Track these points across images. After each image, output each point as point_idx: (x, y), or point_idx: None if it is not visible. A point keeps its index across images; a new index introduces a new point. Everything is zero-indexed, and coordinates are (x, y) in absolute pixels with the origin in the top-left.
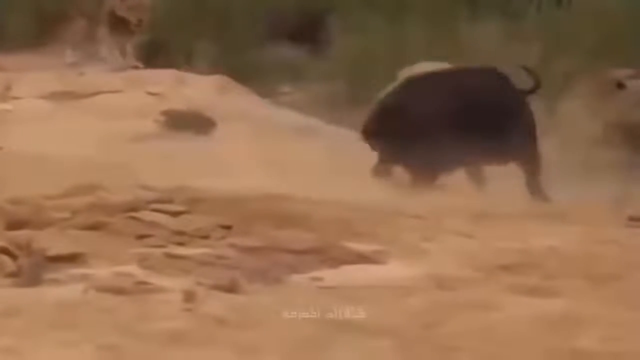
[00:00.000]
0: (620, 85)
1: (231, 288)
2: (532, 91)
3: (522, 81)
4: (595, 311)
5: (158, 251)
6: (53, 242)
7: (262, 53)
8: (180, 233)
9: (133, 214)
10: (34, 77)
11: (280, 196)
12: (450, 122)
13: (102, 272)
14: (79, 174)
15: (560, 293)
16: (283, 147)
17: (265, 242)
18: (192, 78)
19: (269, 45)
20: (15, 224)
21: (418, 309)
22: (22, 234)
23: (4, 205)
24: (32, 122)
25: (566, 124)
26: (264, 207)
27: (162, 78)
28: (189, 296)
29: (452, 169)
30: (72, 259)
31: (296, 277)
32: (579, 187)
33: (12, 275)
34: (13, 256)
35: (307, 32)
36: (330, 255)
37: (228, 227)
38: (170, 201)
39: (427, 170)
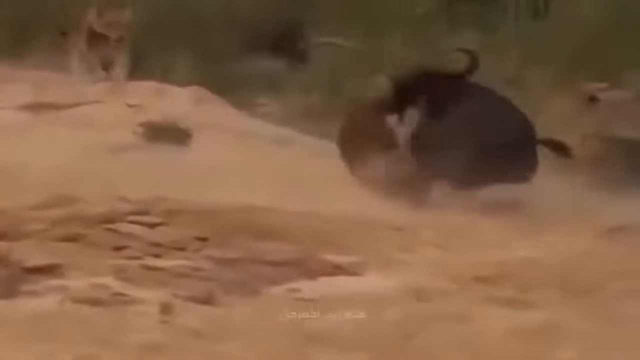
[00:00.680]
0: (592, 99)
1: (208, 300)
2: (467, 72)
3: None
4: (572, 323)
5: (135, 263)
6: (30, 254)
7: (239, 65)
8: (157, 245)
9: (110, 225)
10: (11, 88)
11: (257, 208)
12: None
13: (78, 283)
14: (56, 185)
15: (537, 305)
16: (260, 159)
17: (242, 254)
18: (169, 90)
19: (246, 57)
20: None
21: (395, 321)
22: None
23: None
24: (9, 133)
25: (542, 135)
26: (241, 218)
27: (140, 90)
28: (165, 308)
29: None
30: (49, 270)
31: (273, 289)
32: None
33: None
34: None
35: (285, 44)
36: (307, 267)
37: (204, 239)
38: (146, 213)
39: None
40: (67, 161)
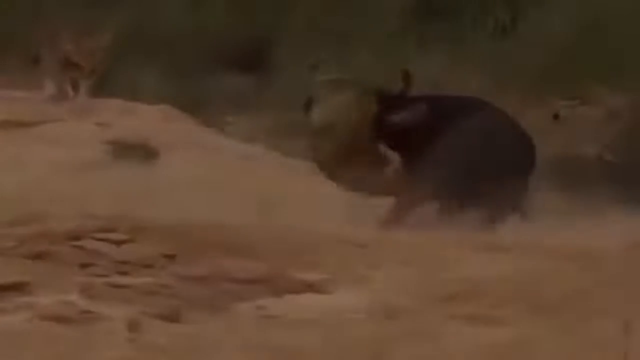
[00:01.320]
0: (556, 117)
1: (175, 317)
2: (402, 94)
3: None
4: (541, 340)
5: (101, 280)
6: None
7: (207, 82)
8: (124, 262)
9: (76, 242)
10: None
11: (225, 225)
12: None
13: (46, 300)
14: (24, 202)
15: (506, 322)
16: (227, 176)
17: (210, 271)
18: (137, 108)
19: (214, 74)
20: None
21: (363, 338)
22: None
23: None
24: None
25: None
26: (209, 235)
27: (108, 107)
28: (132, 325)
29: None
30: (18, 287)
31: (241, 306)
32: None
33: None
34: None
35: (254, 61)
36: (275, 284)
37: (172, 256)
38: (113, 230)
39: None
40: (35, 178)
